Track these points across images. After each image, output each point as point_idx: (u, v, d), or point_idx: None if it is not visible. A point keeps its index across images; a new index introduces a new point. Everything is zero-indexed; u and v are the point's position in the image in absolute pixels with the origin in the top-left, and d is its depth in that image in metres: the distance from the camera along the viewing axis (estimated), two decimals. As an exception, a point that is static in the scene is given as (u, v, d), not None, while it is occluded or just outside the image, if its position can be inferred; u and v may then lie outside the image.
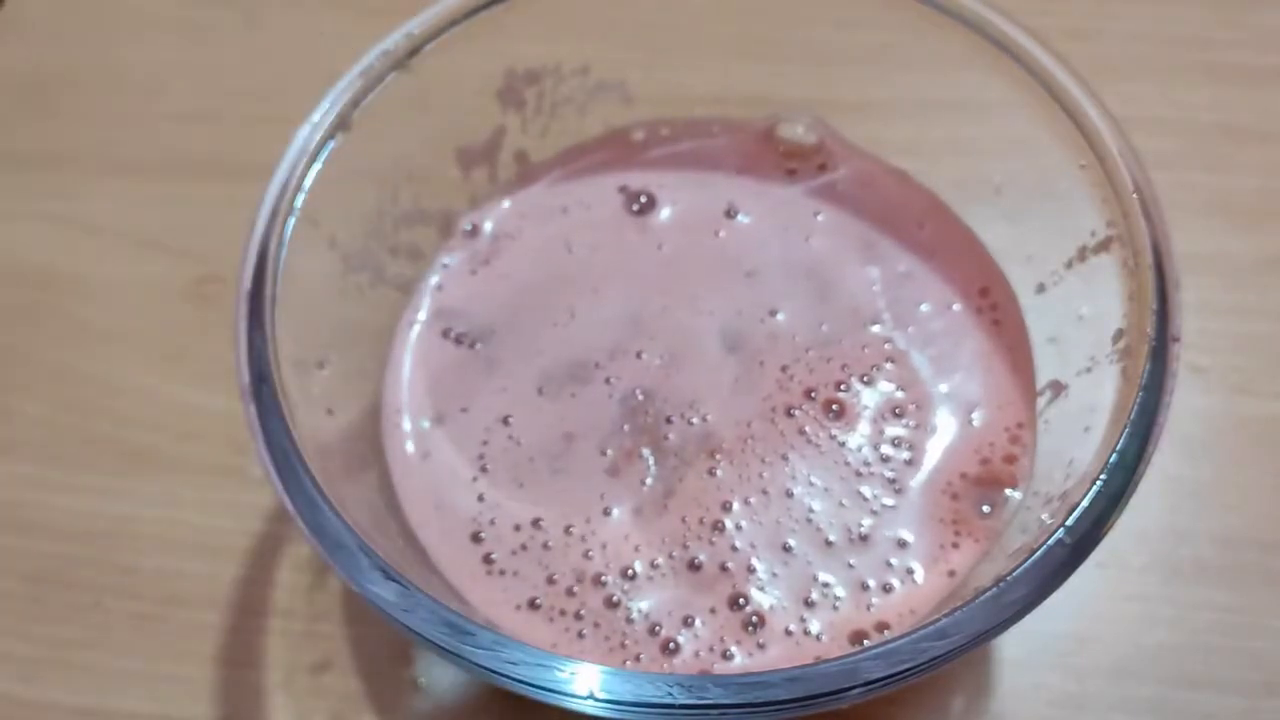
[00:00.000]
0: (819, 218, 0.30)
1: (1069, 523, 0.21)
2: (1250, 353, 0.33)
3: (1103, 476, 0.21)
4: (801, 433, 0.27)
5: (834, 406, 0.27)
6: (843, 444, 0.27)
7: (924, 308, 0.29)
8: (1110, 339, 0.24)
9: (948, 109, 0.29)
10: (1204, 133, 0.37)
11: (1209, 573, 0.30)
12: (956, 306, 0.29)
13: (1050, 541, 0.21)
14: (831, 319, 0.29)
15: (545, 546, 0.26)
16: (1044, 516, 0.23)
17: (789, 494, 0.26)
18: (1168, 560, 0.30)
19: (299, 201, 0.25)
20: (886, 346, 0.28)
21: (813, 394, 0.27)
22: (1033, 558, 0.20)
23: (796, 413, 0.27)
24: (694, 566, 0.25)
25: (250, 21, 0.42)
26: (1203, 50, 0.38)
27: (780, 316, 0.29)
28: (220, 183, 0.37)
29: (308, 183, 0.25)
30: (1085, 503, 0.21)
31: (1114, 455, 0.21)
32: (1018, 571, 0.20)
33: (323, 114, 0.26)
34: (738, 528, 0.26)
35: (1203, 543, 0.30)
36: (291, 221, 0.25)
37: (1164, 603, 0.29)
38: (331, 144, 0.26)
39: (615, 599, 0.25)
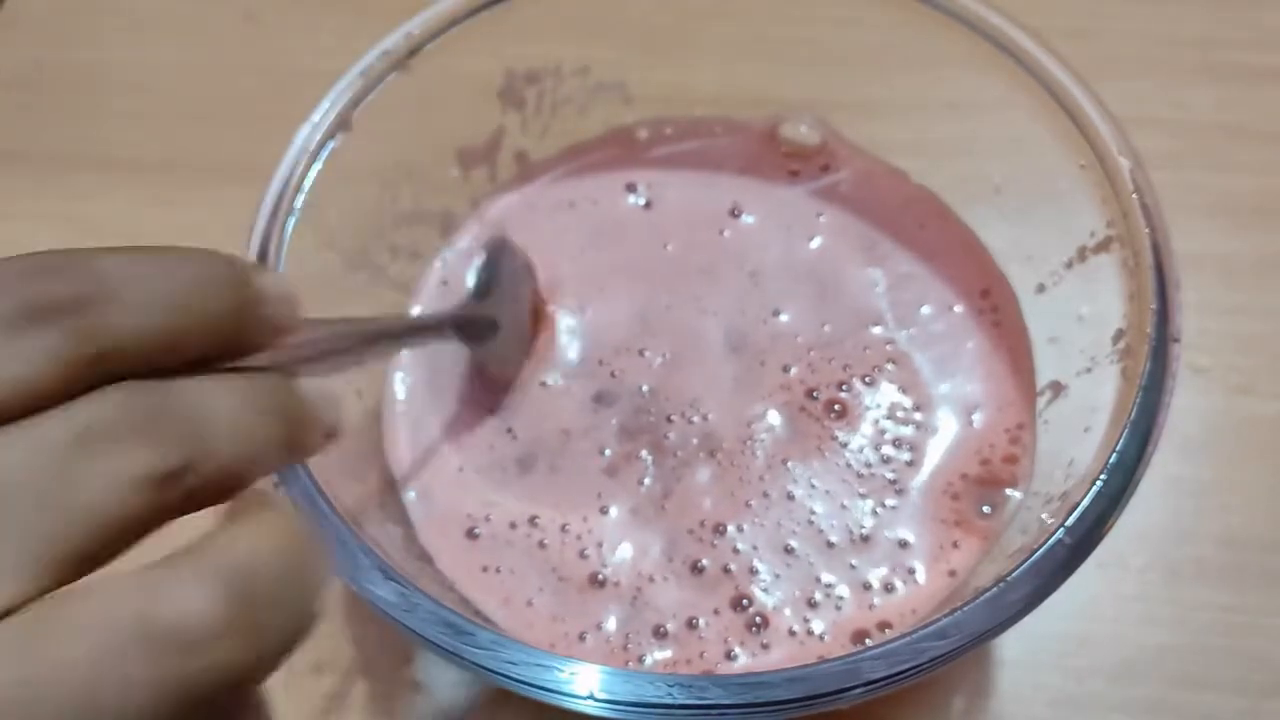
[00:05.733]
0: (821, 219, 0.30)
1: (1069, 523, 0.21)
2: (1250, 353, 0.33)
3: (1103, 476, 0.21)
4: (803, 433, 0.27)
5: (836, 407, 0.27)
6: (844, 445, 0.27)
7: (925, 309, 0.29)
8: (1110, 339, 0.24)
9: (948, 109, 0.29)
10: (1204, 133, 0.37)
11: (1209, 573, 0.29)
12: (958, 308, 0.29)
13: (1050, 541, 0.21)
14: (833, 320, 0.29)
15: (541, 545, 0.26)
16: (1044, 516, 0.23)
17: (790, 496, 0.26)
18: (1168, 560, 0.30)
19: (299, 201, 0.25)
20: (888, 347, 0.28)
21: (814, 394, 0.27)
22: (1033, 558, 0.20)
23: (798, 413, 0.27)
24: (696, 568, 0.25)
25: (250, 21, 0.41)
26: (1203, 50, 0.38)
27: (783, 317, 0.29)
28: (220, 183, 0.36)
29: (308, 183, 0.25)
30: (1085, 503, 0.21)
31: (1114, 455, 0.21)
32: (1018, 571, 0.20)
33: (323, 114, 0.26)
34: (739, 529, 0.26)
35: (1203, 543, 0.30)
36: (291, 221, 0.25)
37: (1164, 603, 0.29)
38: (331, 144, 0.26)
39: (616, 600, 0.25)
